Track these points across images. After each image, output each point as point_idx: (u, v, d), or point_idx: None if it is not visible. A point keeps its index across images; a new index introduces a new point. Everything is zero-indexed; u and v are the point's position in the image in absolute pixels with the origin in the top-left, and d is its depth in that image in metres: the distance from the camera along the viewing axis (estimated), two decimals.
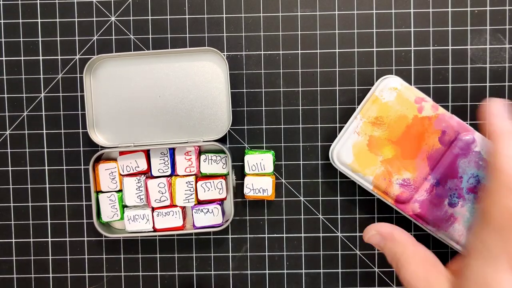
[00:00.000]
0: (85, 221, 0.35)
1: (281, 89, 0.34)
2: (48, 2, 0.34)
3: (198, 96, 0.33)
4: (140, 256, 0.35)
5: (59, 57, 0.34)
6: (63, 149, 0.34)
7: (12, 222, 0.35)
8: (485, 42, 0.33)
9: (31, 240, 0.35)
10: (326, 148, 0.34)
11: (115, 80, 0.33)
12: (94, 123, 0.33)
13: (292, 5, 0.34)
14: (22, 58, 0.34)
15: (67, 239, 0.35)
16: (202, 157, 0.33)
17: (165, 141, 0.33)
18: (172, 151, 0.33)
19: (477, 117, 0.33)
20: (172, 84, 0.33)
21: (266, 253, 0.34)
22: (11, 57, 0.34)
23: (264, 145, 0.34)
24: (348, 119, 0.32)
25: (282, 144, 0.34)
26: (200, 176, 0.33)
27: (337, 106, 0.34)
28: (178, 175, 0.33)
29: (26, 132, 0.34)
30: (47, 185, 0.34)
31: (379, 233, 0.28)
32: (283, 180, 0.34)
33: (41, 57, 0.34)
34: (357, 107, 0.33)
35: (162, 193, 0.33)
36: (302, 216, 0.34)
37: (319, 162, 0.34)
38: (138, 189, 0.33)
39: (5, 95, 0.34)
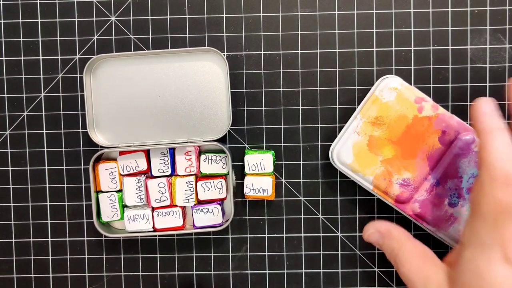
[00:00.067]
0: (85, 221, 0.35)
1: (281, 89, 0.34)
2: (48, 2, 0.34)
3: (198, 96, 0.33)
4: (140, 256, 0.35)
5: (59, 57, 0.34)
6: (63, 149, 0.34)
7: (12, 222, 0.35)
8: (485, 42, 0.33)
9: (31, 240, 0.35)
10: (326, 148, 0.34)
11: (115, 80, 0.33)
12: (94, 123, 0.33)
13: (292, 5, 0.34)
14: (22, 58, 0.34)
15: (67, 239, 0.35)
16: (202, 157, 0.33)
17: (165, 141, 0.33)
18: (172, 151, 0.33)
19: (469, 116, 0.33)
20: (172, 84, 0.33)
21: (266, 253, 0.34)
22: (11, 57, 0.34)
23: (264, 145, 0.34)
24: (348, 119, 0.32)
25: (282, 144, 0.34)
26: (200, 176, 0.33)
27: (337, 106, 0.34)
28: (178, 175, 0.33)
29: (26, 132, 0.34)
30: (47, 185, 0.34)
31: (378, 231, 0.29)
32: (283, 180, 0.34)
33: (41, 57, 0.34)
34: (357, 107, 0.33)
35: (162, 193, 0.33)
36: (302, 216, 0.34)
37: (319, 162, 0.34)
38: (138, 189, 0.33)
39: (5, 95, 0.34)
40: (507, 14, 0.33)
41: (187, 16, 0.34)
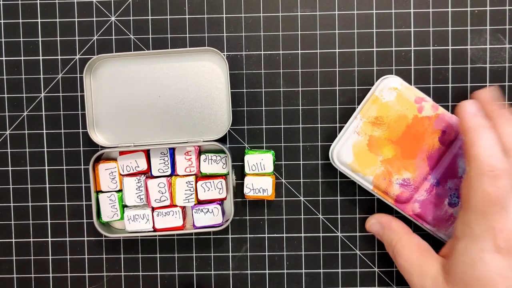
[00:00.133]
0: (85, 221, 0.35)
1: (281, 89, 0.34)
2: (48, 2, 0.34)
3: (198, 96, 0.33)
4: (140, 256, 0.35)
5: (59, 57, 0.34)
6: (63, 149, 0.34)
7: (12, 222, 0.35)
8: (485, 42, 0.33)
9: (31, 240, 0.35)
10: (326, 148, 0.34)
11: (115, 80, 0.33)
12: (94, 123, 0.33)
13: (292, 5, 0.34)
14: (22, 58, 0.34)
15: (67, 239, 0.35)
16: (202, 157, 0.33)
17: (165, 141, 0.33)
18: (172, 151, 0.33)
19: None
20: (172, 84, 0.33)
21: (266, 253, 0.34)
22: (11, 57, 0.34)
23: (264, 145, 0.34)
24: (348, 119, 0.32)
25: (282, 144, 0.34)
26: (200, 176, 0.33)
27: (337, 106, 0.34)
28: (178, 175, 0.33)
29: (26, 132, 0.34)
30: (47, 185, 0.34)
31: (379, 222, 0.31)
32: (283, 180, 0.34)
33: (41, 57, 0.34)
34: (357, 107, 0.32)
35: (162, 193, 0.33)
36: (302, 216, 0.34)
37: (319, 162, 0.34)
38: (138, 189, 0.33)
39: (5, 95, 0.34)
40: (507, 14, 0.33)
41: (187, 16, 0.34)
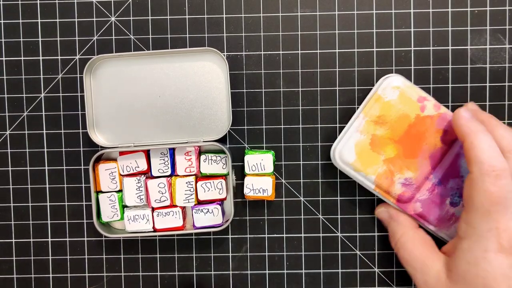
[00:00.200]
0: (85, 221, 0.35)
1: (281, 89, 0.34)
2: (48, 2, 0.34)
3: (198, 96, 0.33)
4: (140, 256, 0.35)
5: (59, 57, 0.34)
6: (63, 149, 0.34)
7: (12, 222, 0.35)
8: (485, 42, 0.33)
9: (31, 240, 0.35)
10: (326, 148, 0.34)
11: (115, 80, 0.33)
12: (94, 123, 0.33)
13: (292, 5, 0.34)
14: (22, 58, 0.34)
15: (67, 239, 0.35)
16: (202, 157, 0.33)
17: (165, 141, 0.33)
18: (172, 151, 0.33)
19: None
20: (172, 84, 0.33)
21: (266, 253, 0.34)
22: (11, 57, 0.34)
23: (264, 145, 0.34)
24: (348, 119, 0.32)
25: (282, 144, 0.34)
26: (200, 176, 0.33)
27: (337, 106, 0.34)
28: (178, 175, 0.33)
29: (26, 132, 0.34)
30: (47, 185, 0.34)
31: (388, 211, 0.32)
32: (283, 180, 0.34)
33: (41, 57, 0.34)
34: (357, 107, 0.33)
35: (162, 193, 0.33)
36: (302, 216, 0.34)
37: (319, 162, 0.34)
38: (138, 189, 0.33)
39: (5, 95, 0.34)
40: (507, 14, 0.33)
41: (187, 16, 0.34)
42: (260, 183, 0.32)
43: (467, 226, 0.26)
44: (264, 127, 0.34)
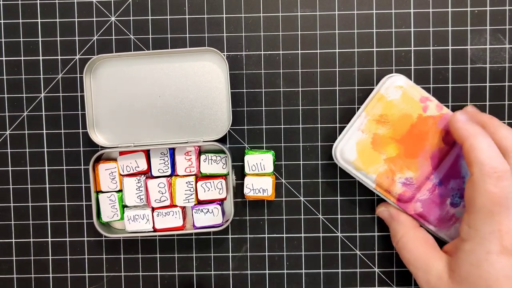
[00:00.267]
0: (85, 221, 0.35)
1: (281, 89, 0.34)
2: (48, 2, 0.34)
3: (198, 96, 0.33)
4: (140, 256, 0.35)
5: (59, 57, 0.34)
6: (63, 149, 0.34)
7: (12, 222, 0.35)
8: (485, 42, 0.33)
9: (31, 240, 0.35)
10: (326, 148, 0.34)
11: (115, 80, 0.33)
12: (94, 123, 0.33)
13: (292, 5, 0.34)
14: (22, 58, 0.34)
15: (67, 239, 0.35)
16: (202, 157, 0.33)
17: (165, 141, 0.33)
18: (172, 151, 0.33)
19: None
20: (172, 84, 0.33)
21: (266, 253, 0.34)
22: (11, 57, 0.34)
23: (264, 145, 0.34)
24: (349, 119, 0.32)
25: (282, 144, 0.34)
26: (200, 176, 0.33)
27: (337, 106, 0.34)
28: (178, 175, 0.33)
29: (26, 132, 0.34)
30: (47, 185, 0.34)
31: (388, 211, 0.32)
32: (283, 180, 0.34)
33: (41, 57, 0.34)
34: (357, 107, 0.33)
35: (162, 193, 0.33)
36: (302, 216, 0.34)
37: (319, 162, 0.34)
38: (138, 189, 0.33)
39: (5, 95, 0.34)
40: (507, 14, 0.33)
41: (187, 16, 0.34)
42: (260, 183, 0.32)
43: (469, 228, 0.26)
44: (264, 127, 0.34)
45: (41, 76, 0.34)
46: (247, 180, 0.32)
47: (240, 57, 0.34)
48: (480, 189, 0.25)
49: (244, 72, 0.34)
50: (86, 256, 0.35)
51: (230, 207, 0.32)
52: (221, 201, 0.33)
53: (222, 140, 0.34)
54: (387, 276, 0.34)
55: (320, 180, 0.34)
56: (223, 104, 0.33)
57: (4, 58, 0.34)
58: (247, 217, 0.34)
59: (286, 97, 0.34)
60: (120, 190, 0.33)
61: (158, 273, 0.34)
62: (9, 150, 0.34)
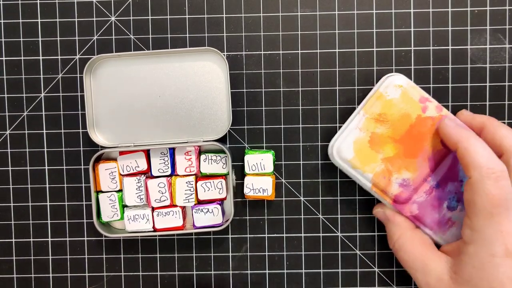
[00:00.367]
0: (85, 221, 0.35)
1: (281, 89, 0.34)
2: (48, 2, 0.34)
3: (198, 96, 0.33)
4: (140, 256, 0.35)
5: (59, 57, 0.34)
6: (63, 149, 0.34)
7: (12, 222, 0.35)
8: (485, 42, 0.33)
9: (31, 240, 0.35)
10: (326, 148, 0.34)
11: (115, 80, 0.33)
12: (94, 123, 0.33)
13: (292, 5, 0.34)
14: (22, 58, 0.34)
15: (67, 239, 0.35)
16: (202, 157, 0.33)
17: (165, 141, 0.33)
18: (172, 151, 0.33)
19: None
20: (172, 84, 0.33)
21: (266, 253, 0.34)
22: (11, 57, 0.34)
23: (264, 145, 0.34)
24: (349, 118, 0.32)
25: (282, 144, 0.34)
26: (200, 176, 0.33)
27: (337, 106, 0.34)
28: (178, 175, 0.33)
29: (26, 132, 0.34)
30: (47, 185, 0.34)
31: (384, 212, 0.31)
32: (283, 180, 0.34)
33: (41, 57, 0.34)
34: (357, 107, 0.32)
35: (162, 193, 0.33)
36: (302, 216, 0.34)
37: (319, 162, 0.34)
38: (138, 189, 0.33)
39: (5, 95, 0.34)
40: (507, 14, 0.33)
41: (187, 16, 0.34)
42: (260, 183, 0.32)
43: (471, 231, 0.26)
44: (264, 127, 0.34)
45: (41, 76, 0.34)
46: (247, 180, 0.33)
47: (240, 57, 0.34)
48: (479, 191, 0.25)
49: (244, 72, 0.34)
50: (86, 256, 0.35)
51: (230, 207, 0.32)
52: (221, 201, 0.33)
53: (222, 140, 0.34)
54: (387, 276, 0.34)
55: (320, 180, 0.34)
56: (223, 104, 0.33)
57: (4, 58, 0.34)
58: (247, 217, 0.34)
59: (286, 97, 0.34)
60: (120, 190, 0.33)
61: (158, 273, 0.34)
62: (9, 150, 0.34)
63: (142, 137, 0.33)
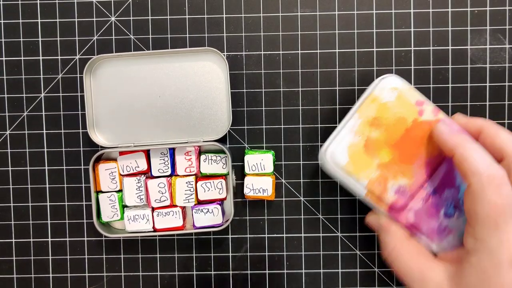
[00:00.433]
0: (85, 221, 0.35)
1: (281, 89, 0.34)
2: (48, 2, 0.34)
3: (198, 96, 0.33)
4: (140, 256, 0.35)
5: (59, 57, 0.34)
6: (63, 149, 0.34)
7: (12, 222, 0.35)
8: (485, 42, 0.33)
9: (31, 240, 0.35)
10: None
11: (115, 80, 0.33)
12: (94, 123, 0.33)
13: (292, 5, 0.34)
14: (22, 58, 0.34)
15: (67, 239, 0.35)
16: (202, 157, 0.33)
17: (165, 141, 0.33)
18: (172, 151, 0.33)
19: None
20: (172, 84, 0.33)
21: (266, 253, 0.34)
22: (11, 57, 0.34)
23: (264, 145, 0.34)
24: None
25: (282, 144, 0.34)
26: (200, 176, 0.33)
27: (337, 106, 0.34)
28: (178, 175, 0.33)
29: (26, 132, 0.34)
30: (47, 185, 0.34)
31: (377, 221, 0.30)
32: (283, 180, 0.34)
33: (41, 57, 0.34)
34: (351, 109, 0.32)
35: (162, 193, 0.33)
36: (302, 216, 0.34)
37: (319, 162, 0.34)
38: (138, 189, 0.33)
39: (5, 95, 0.34)
40: (507, 14, 0.33)
41: (187, 16, 0.34)
42: (260, 183, 0.32)
43: (475, 241, 0.25)
44: (264, 127, 0.34)
45: (41, 76, 0.34)
46: (247, 180, 0.33)
47: (240, 57, 0.34)
48: (481, 199, 0.24)
49: (244, 72, 0.34)
50: (86, 256, 0.35)
51: (230, 207, 0.32)
52: (221, 201, 0.33)
53: (222, 140, 0.34)
54: (387, 276, 0.34)
55: (320, 180, 0.34)
56: (223, 104, 0.33)
57: (4, 58, 0.34)
58: (247, 217, 0.34)
59: (286, 97, 0.34)
60: (120, 190, 0.33)
61: (158, 273, 0.34)
62: (9, 150, 0.34)
63: (142, 137, 0.33)
